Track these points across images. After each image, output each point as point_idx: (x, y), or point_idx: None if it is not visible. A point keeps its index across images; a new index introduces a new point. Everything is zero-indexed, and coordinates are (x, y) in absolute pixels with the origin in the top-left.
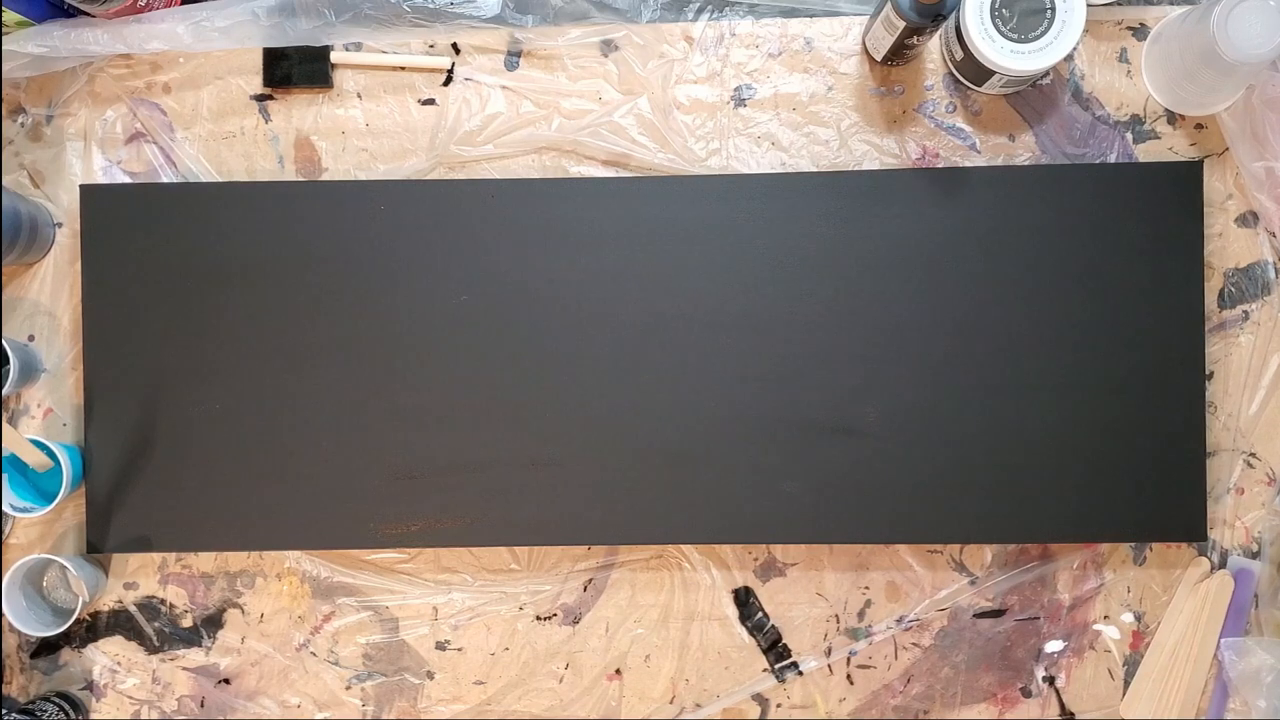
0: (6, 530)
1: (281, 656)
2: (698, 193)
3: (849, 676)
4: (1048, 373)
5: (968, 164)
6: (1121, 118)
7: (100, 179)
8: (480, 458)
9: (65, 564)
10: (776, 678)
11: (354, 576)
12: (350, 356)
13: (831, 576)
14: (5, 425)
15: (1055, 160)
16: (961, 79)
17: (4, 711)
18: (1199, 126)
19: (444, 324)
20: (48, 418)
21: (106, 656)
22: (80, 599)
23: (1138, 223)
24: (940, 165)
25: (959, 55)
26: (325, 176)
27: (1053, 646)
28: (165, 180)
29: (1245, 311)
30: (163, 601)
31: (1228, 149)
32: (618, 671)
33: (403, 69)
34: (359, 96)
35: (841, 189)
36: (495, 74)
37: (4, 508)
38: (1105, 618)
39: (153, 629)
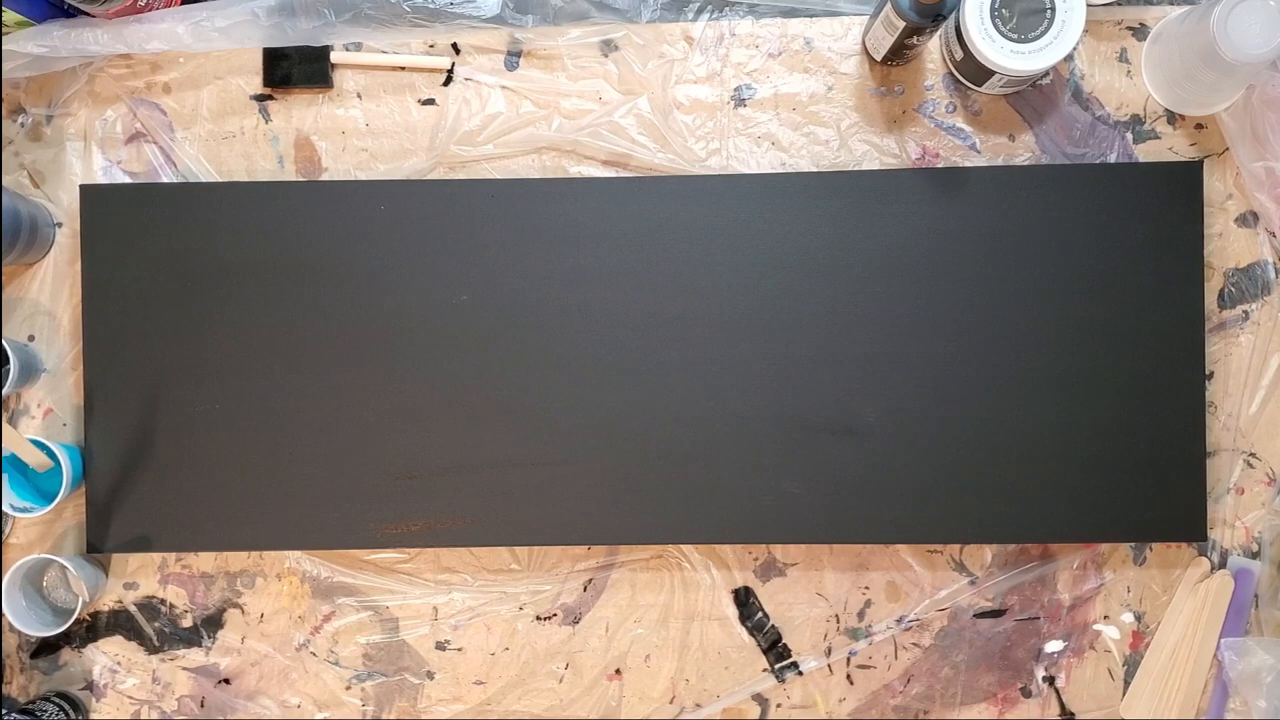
0: (6, 530)
1: (281, 656)
2: (698, 193)
3: (849, 676)
4: (1048, 373)
5: (968, 164)
6: (1121, 118)
7: (100, 179)
8: (480, 458)
9: (65, 564)
10: (776, 678)
11: (354, 576)
12: (350, 356)
13: (831, 576)
14: (5, 425)
15: (1055, 160)
16: (961, 79)
17: (4, 711)
18: (1199, 126)
19: (444, 324)
20: (48, 418)
21: (106, 656)
22: (80, 599)
23: (1138, 223)
24: (940, 165)
25: (959, 55)
26: (325, 176)
27: (1053, 646)
28: (165, 180)
29: (1245, 311)
30: (163, 601)
31: (1228, 149)
32: (618, 671)
33: (403, 69)
34: (359, 96)
35: (841, 189)
36: (495, 74)
37: (4, 508)
38: (1105, 618)
39: (153, 629)
